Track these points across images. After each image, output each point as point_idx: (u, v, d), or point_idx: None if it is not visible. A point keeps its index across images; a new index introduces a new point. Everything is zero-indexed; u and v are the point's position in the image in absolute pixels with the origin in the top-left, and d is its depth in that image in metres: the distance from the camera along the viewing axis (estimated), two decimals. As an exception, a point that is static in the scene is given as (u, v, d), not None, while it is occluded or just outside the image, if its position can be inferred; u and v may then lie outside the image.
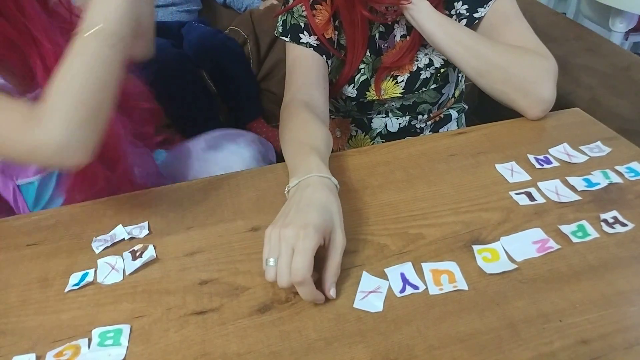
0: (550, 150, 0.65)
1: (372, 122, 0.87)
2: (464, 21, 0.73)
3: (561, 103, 0.71)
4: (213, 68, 1.10)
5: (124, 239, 0.56)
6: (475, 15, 0.72)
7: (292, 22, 0.75)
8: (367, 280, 0.49)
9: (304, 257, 0.44)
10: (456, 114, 0.90)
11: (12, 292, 0.51)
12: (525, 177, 0.61)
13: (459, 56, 0.69)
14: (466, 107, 0.93)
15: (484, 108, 1.15)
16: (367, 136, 0.88)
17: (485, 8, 0.71)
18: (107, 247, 0.55)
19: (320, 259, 0.47)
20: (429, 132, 0.89)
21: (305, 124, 0.65)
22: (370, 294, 0.47)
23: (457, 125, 0.92)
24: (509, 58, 0.68)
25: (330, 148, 0.63)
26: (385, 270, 0.50)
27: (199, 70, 1.11)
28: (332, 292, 0.47)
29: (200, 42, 1.16)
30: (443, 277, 0.49)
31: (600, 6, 1.45)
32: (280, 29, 0.76)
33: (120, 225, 0.58)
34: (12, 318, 0.48)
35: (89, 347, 0.44)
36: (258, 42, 1.07)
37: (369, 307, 0.46)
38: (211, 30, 1.19)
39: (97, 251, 0.55)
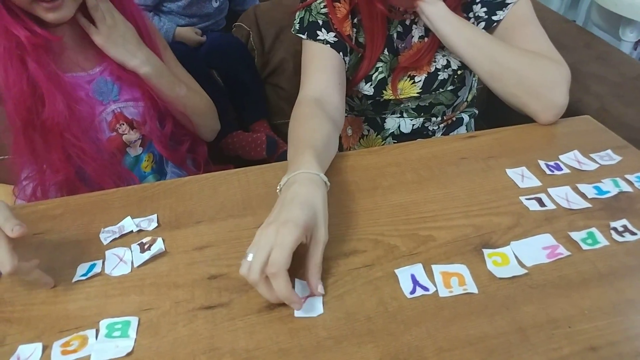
0: (561, 157, 0.65)
1: (385, 122, 0.87)
2: (482, 24, 0.73)
3: (570, 110, 0.71)
4: (222, 68, 1.11)
5: (132, 231, 0.56)
6: (494, 18, 0.72)
7: (310, 20, 0.74)
8: (300, 287, 0.48)
9: (282, 250, 0.44)
10: (467, 118, 0.90)
11: (20, 281, 0.50)
12: (535, 182, 0.61)
13: (474, 59, 0.69)
14: (476, 111, 0.93)
15: (492, 113, 1.15)
16: (379, 136, 0.88)
17: (504, 11, 0.71)
18: (115, 239, 0.55)
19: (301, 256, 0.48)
20: (441, 134, 0.89)
21: (307, 120, 0.65)
22: (308, 298, 0.47)
23: (467, 130, 0.92)
24: (523, 62, 0.68)
25: (332, 144, 0.63)
26: (396, 271, 0.50)
27: (209, 70, 1.11)
28: (319, 289, 0.46)
29: (211, 43, 1.17)
30: (453, 279, 0.49)
31: (611, 15, 1.45)
32: (297, 26, 0.76)
33: (129, 217, 0.58)
34: (18, 307, 0.48)
35: (96, 338, 0.44)
36: (261, 34, 1.07)
37: (311, 311, 0.46)
38: (223, 34, 1.20)
39: (105, 242, 0.55)
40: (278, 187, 0.53)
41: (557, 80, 0.68)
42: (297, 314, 0.46)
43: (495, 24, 0.73)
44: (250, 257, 0.45)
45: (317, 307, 0.46)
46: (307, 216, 0.47)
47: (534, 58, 0.68)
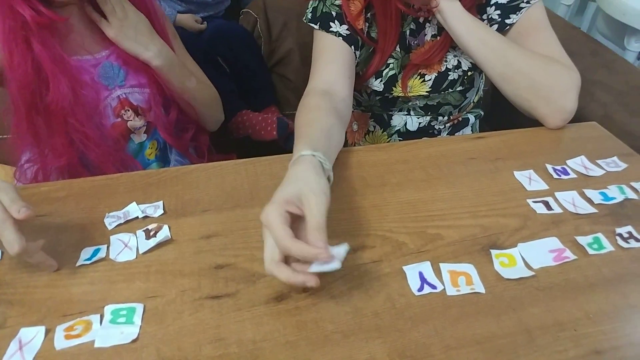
0: (568, 162, 0.65)
1: (392, 119, 0.86)
2: (495, 26, 0.73)
3: (574, 116, 0.72)
4: (227, 55, 1.10)
5: (137, 217, 0.55)
6: (507, 21, 0.72)
7: (324, 10, 0.74)
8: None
9: (272, 229, 0.43)
10: (473, 118, 0.90)
11: (21, 263, 0.49)
12: (542, 186, 0.61)
13: (486, 60, 0.69)
14: (482, 113, 0.93)
15: (495, 116, 1.16)
16: (384, 132, 0.88)
17: (517, 15, 0.71)
18: (120, 224, 0.54)
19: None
20: (446, 134, 0.89)
21: (309, 112, 0.64)
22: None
23: (472, 130, 0.92)
24: (536, 66, 0.68)
25: (334, 136, 0.61)
26: (404, 267, 0.50)
27: (214, 56, 1.10)
28: (320, 250, 0.42)
29: (215, 30, 1.16)
30: (460, 278, 0.49)
31: (617, 24, 1.45)
32: (309, 15, 0.75)
33: (134, 203, 0.57)
34: (20, 289, 0.47)
35: (100, 323, 0.43)
36: (269, 21, 1.06)
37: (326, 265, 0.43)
38: (227, 22, 1.19)
39: (109, 227, 0.54)
40: None
41: (568, 86, 0.68)
42: (312, 268, 0.43)
43: (508, 27, 0.73)
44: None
45: (334, 264, 0.43)
46: (283, 191, 0.46)
47: (546, 62, 0.69)
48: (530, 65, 0.68)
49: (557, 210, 0.57)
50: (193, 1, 1.30)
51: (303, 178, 0.48)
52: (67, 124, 0.67)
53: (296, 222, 0.45)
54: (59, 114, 0.66)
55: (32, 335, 0.42)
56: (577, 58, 0.74)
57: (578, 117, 0.72)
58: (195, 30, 1.23)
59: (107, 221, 0.55)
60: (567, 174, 0.63)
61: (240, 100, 1.10)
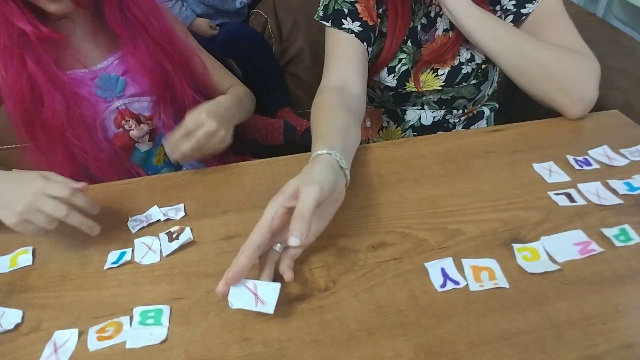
0: (590, 152, 0.64)
1: (406, 113, 0.86)
2: (511, 17, 0.72)
3: (594, 105, 0.70)
4: (240, 58, 1.11)
5: (159, 220, 0.56)
6: (523, 11, 0.71)
7: (336, 8, 0.74)
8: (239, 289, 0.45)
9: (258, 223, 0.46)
10: (488, 111, 0.89)
11: (52, 268, 0.51)
12: (564, 177, 0.60)
13: (499, 54, 0.68)
14: (497, 105, 0.92)
15: (511, 107, 1.14)
16: (398, 128, 0.88)
17: (533, 4, 0.70)
18: (143, 227, 0.55)
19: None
20: (461, 127, 0.88)
21: (325, 110, 0.64)
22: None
23: (487, 123, 0.91)
24: (551, 56, 0.67)
25: (351, 133, 0.61)
26: (426, 264, 0.49)
27: (226, 59, 1.11)
28: (290, 240, 0.42)
29: (227, 33, 1.17)
30: (483, 273, 0.49)
31: (634, 8, 1.42)
32: (321, 13, 0.75)
33: (156, 206, 0.58)
34: (52, 293, 0.48)
35: (130, 324, 0.44)
36: (279, 21, 1.07)
37: (235, 298, 0.44)
38: (238, 25, 1.20)
39: (133, 231, 0.55)
40: None
41: (587, 75, 0.67)
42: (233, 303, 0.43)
43: (524, 17, 0.72)
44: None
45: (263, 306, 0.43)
46: (288, 183, 0.47)
47: (562, 52, 0.67)
48: (546, 56, 0.67)
49: (580, 202, 0.56)
50: (216, 7, 1.30)
51: (308, 170, 0.49)
52: (64, 139, 0.67)
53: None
54: (55, 130, 0.66)
55: (66, 338, 0.43)
56: (594, 45, 0.73)
57: (598, 106, 0.71)
58: (207, 36, 1.24)
59: (130, 225, 0.56)
60: (589, 164, 0.62)
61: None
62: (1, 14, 0.60)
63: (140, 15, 0.69)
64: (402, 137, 0.88)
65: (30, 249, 0.53)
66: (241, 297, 0.43)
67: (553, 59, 0.67)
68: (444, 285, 0.48)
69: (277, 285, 0.44)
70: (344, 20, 0.73)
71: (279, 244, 0.48)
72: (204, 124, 0.62)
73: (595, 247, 0.51)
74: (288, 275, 0.46)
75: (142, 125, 0.75)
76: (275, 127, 1.06)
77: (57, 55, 0.66)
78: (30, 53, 0.62)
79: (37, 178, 0.51)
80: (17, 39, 0.61)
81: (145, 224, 0.56)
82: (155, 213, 0.57)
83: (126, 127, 0.74)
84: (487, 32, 0.68)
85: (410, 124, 0.87)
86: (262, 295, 0.44)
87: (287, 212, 0.46)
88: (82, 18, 0.68)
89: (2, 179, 0.52)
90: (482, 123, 0.90)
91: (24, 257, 0.52)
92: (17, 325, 0.45)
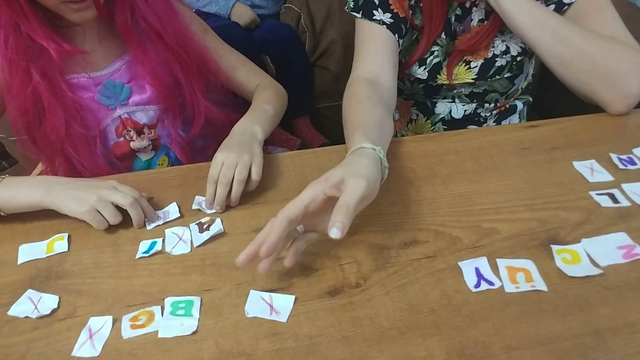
0: (635, 151, 0.61)
1: (436, 106, 0.84)
2: (552, 7, 0.68)
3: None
4: (276, 57, 1.09)
5: (176, 219, 0.56)
6: (565, 0, 0.67)
7: None
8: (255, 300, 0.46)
9: (293, 201, 0.45)
10: (521, 105, 0.86)
11: (86, 255, 0.52)
12: (607, 177, 0.58)
13: (541, 41, 0.65)
14: (531, 99, 0.89)
15: (545, 102, 1.10)
16: (428, 121, 0.86)
17: (577, -7, 0.67)
18: (158, 225, 0.55)
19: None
20: (493, 122, 0.85)
21: (359, 102, 0.63)
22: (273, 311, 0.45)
23: (520, 118, 0.88)
24: (598, 47, 0.63)
25: (387, 126, 0.60)
26: (459, 263, 0.48)
27: (263, 56, 1.10)
28: (331, 232, 0.41)
29: (269, 30, 1.15)
30: (519, 275, 0.47)
31: (680, -2, 1.34)
32: (351, 4, 0.74)
33: (175, 204, 0.58)
34: (87, 279, 0.49)
35: (162, 314, 0.45)
36: (312, 15, 1.05)
37: (251, 306, 0.45)
38: (281, 23, 1.18)
39: (148, 227, 0.55)
40: None
41: (634, 68, 0.64)
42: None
43: (566, 7, 0.68)
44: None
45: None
46: (332, 171, 0.46)
47: (608, 43, 0.64)
48: (591, 46, 0.63)
49: (624, 203, 0.54)
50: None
51: (355, 163, 0.48)
52: (64, 151, 0.67)
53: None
54: (55, 143, 0.66)
55: (101, 325, 0.44)
56: (637, 37, 0.69)
57: (641, 102, 0.68)
58: (249, 20, 1.20)
59: (147, 220, 0.56)
60: (634, 163, 0.59)
61: None
62: (9, 25, 0.59)
63: (153, 20, 0.65)
64: (432, 130, 0.86)
65: (65, 235, 0.54)
66: (256, 307, 0.45)
67: (599, 49, 0.63)
68: (478, 285, 0.46)
69: (292, 298, 0.46)
70: (375, 12, 0.71)
71: (302, 225, 0.47)
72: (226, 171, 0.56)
73: (640, 252, 0.48)
74: (290, 261, 0.47)
75: (142, 136, 0.73)
76: (290, 145, 1.06)
77: (65, 59, 0.64)
78: (36, 64, 0.61)
79: (110, 180, 0.57)
80: (25, 50, 0.60)
81: (161, 222, 0.55)
82: (174, 211, 0.57)
83: (127, 137, 0.73)
84: (530, 18, 0.64)
85: (440, 117, 0.85)
86: (277, 306, 0.45)
87: (325, 201, 0.45)
88: (90, 22, 0.65)
89: (73, 179, 0.57)
90: (515, 117, 0.87)
91: (60, 244, 0.53)
92: (54, 311, 0.46)
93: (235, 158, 0.56)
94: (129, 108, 0.71)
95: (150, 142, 0.75)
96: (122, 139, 0.72)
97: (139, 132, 0.73)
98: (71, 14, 0.60)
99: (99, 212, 0.53)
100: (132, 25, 0.65)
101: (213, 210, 0.57)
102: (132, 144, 0.73)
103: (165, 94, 0.70)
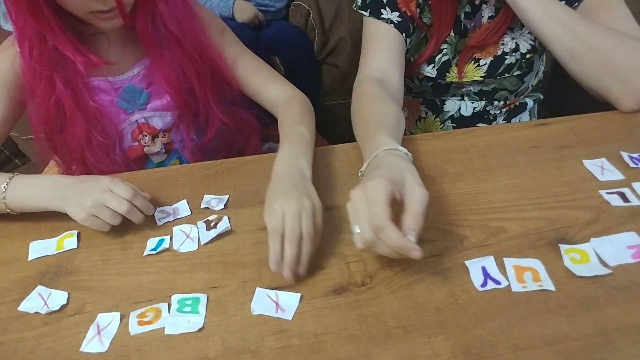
0: (646, 149, 0.60)
1: (445, 104, 0.83)
2: (563, 2, 0.67)
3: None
4: (285, 57, 1.09)
5: (186, 216, 0.56)
6: None
7: None
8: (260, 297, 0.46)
9: (376, 203, 0.42)
10: (532, 103, 0.85)
11: (95, 252, 0.53)
12: (617, 175, 0.57)
13: (553, 36, 0.64)
14: (541, 96, 0.88)
15: (557, 99, 1.09)
16: (437, 119, 0.85)
17: (588, -12, 0.66)
18: (168, 222, 0.56)
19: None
20: (502, 119, 0.85)
21: (374, 100, 0.63)
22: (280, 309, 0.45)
23: (530, 115, 0.87)
24: (610, 42, 0.62)
25: (402, 125, 0.61)
26: (466, 262, 0.48)
27: (272, 56, 1.09)
28: (411, 236, 0.42)
29: (278, 31, 1.15)
30: (526, 274, 0.47)
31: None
32: (359, 2, 0.74)
33: (185, 201, 0.58)
34: (96, 276, 0.50)
35: (169, 311, 0.45)
36: (321, 12, 1.05)
37: (257, 303, 0.45)
38: (291, 25, 1.17)
39: (158, 223, 0.55)
40: (360, 173, 0.53)
41: (647, 64, 0.62)
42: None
43: (576, 3, 0.67)
44: (357, 229, 0.44)
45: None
46: (391, 172, 0.45)
47: (621, 38, 0.63)
48: (604, 41, 0.62)
49: (635, 202, 0.53)
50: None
51: (409, 169, 0.47)
52: (84, 158, 0.68)
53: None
54: (74, 151, 0.67)
55: (109, 321, 0.45)
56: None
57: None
58: (250, 18, 1.20)
59: (157, 216, 0.56)
60: (645, 162, 0.58)
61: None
62: (34, 36, 0.59)
63: (172, 25, 0.65)
64: (441, 128, 0.86)
65: (75, 232, 0.55)
66: (262, 304, 0.45)
67: (611, 45, 0.62)
68: (484, 284, 0.46)
69: (297, 295, 0.46)
70: (382, 10, 0.71)
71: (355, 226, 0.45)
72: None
73: (651, 251, 0.48)
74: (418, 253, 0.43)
75: (156, 140, 0.74)
76: None
77: (86, 66, 0.64)
78: (60, 74, 0.62)
79: (104, 179, 0.55)
80: (49, 60, 0.61)
81: (171, 218, 0.56)
82: (184, 209, 0.57)
83: (142, 142, 0.73)
84: (543, 12, 0.64)
85: (449, 114, 0.84)
86: (283, 303, 0.45)
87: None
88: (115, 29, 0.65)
89: (74, 180, 0.56)
90: (525, 115, 0.87)
91: (69, 241, 0.54)
92: (63, 307, 0.47)
93: (296, 207, 0.48)
94: (147, 113, 0.71)
95: (163, 147, 0.75)
96: (136, 143, 0.73)
97: (154, 137, 0.74)
98: (99, 23, 0.60)
99: (98, 216, 0.52)
100: (152, 30, 0.65)
101: (221, 208, 0.57)
102: (146, 149, 0.74)
103: (182, 100, 0.70)
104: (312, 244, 0.48)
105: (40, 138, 0.67)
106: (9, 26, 0.62)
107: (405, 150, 0.51)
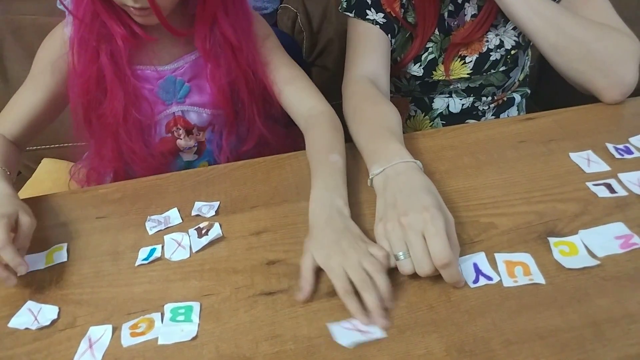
0: (631, 139, 0.61)
1: (433, 102, 0.84)
2: None
3: (635, 90, 0.66)
4: None
5: (178, 224, 0.56)
6: None
7: None
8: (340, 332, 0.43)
9: (442, 237, 0.43)
10: (519, 98, 0.86)
11: (86, 264, 0.52)
12: (603, 167, 0.58)
13: (537, 30, 0.65)
14: (529, 91, 0.89)
15: (545, 93, 1.10)
16: (426, 117, 0.86)
17: (569, -18, 0.66)
18: (160, 230, 0.55)
19: None
20: (491, 115, 0.85)
21: (374, 103, 0.64)
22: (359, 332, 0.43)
23: (518, 110, 0.88)
24: (592, 34, 0.63)
25: (401, 126, 0.61)
26: (458, 259, 0.48)
27: None
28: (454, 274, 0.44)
29: None
30: (517, 269, 0.47)
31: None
32: (344, 4, 0.74)
33: (176, 209, 0.58)
34: (87, 289, 0.49)
35: (162, 321, 0.45)
36: (308, 14, 1.05)
37: (344, 339, 0.42)
38: (280, 31, 1.17)
39: (150, 232, 0.55)
40: (370, 176, 0.53)
41: (628, 55, 0.63)
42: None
43: None
44: (402, 256, 0.45)
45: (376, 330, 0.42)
46: (436, 200, 0.47)
47: (603, 30, 0.64)
48: (586, 33, 0.63)
49: (621, 193, 0.54)
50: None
51: (434, 191, 0.49)
52: (117, 136, 0.68)
53: None
54: (110, 126, 0.67)
55: (101, 334, 0.44)
56: (632, 25, 0.69)
57: (638, 90, 0.67)
58: None
59: (148, 225, 0.56)
60: (630, 152, 0.59)
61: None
62: (87, 11, 0.61)
63: (232, 38, 0.65)
64: (431, 126, 0.86)
65: (65, 245, 0.54)
66: (347, 337, 0.42)
67: (594, 36, 0.63)
68: (476, 280, 0.46)
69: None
70: (368, 11, 0.71)
71: (401, 252, 0.46)
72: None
73: (638, 241, 0.48)
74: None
75: (190, 137, 0.74)
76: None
77: (131, 48, 0.65)
78: (106, 46, 0.63)
79: None
80: (98, 31, 0.62)
81: (163, 227, 0.55)
82: (175, 217, 0.57)
83: (175, 134, 0.73)
84: (526, 6, 0.64)
85: (438, 112, 0.85)
86: (364, 327, 0.43)
87: None
88: (171, 17, 0.63)
89: None
90: (513, 110, 0.87)
91: (59, 254, 0.53)
92: (54, 321, 0.46)
93: (354, 259, 0.45)
94: (184, 107, 0.71)
95: (196, 144, 0.75)
96: (169, 135, 0.73)
97: (188, 132, 0.74)
98: (134, 17, 0.61)
99: None
100: (210, 39, 0.65)
101: (212, 214, 0.57)
102: (178, 142, 0.74)
103: (223, 102, 0.69)
104: (383, 276, 0.45)
105: (78, 115, 0.67)
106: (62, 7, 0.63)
107: (420, 164, 0.52)
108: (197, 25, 0.64)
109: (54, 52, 0.66)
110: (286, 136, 0.78)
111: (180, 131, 0.73)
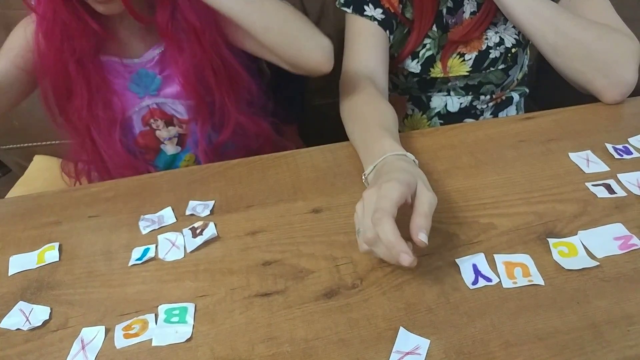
0: (630, 140, 0.61)
1: (431, 100, 0.83)
2: None
3: (634, 90, 0.66)
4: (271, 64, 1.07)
5: (172, 223, 0.55)
6: None
7: None
8: (405, 339, 0.41)
9: (386, 198, 0.42)
10: (518, 97, 0.85)
11: (78, 264, 0.51)
12: (603, 167, 0.57)
13: (537, 30, 0.64)
14: (527, 90, 0.88)
15: (544, 93, 1.09)
16: (424, 115, 0.85)
17: (568, -19, 0.66)
18: (153, 230, 0.54)
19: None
20: (490, 114, 0.85)
21: (371, 101, 0.63)
22: (407, 355, 0.41)
23: (517, 109, 0.88)
24: (592, 34, 0.63)
25: (397, 125, 0.61)
26: (457, 260, 0.48)
27: (259, 61, 1.07)
28: (421, 236, 0.42)
29: None
30: (517, 270, 0.47)
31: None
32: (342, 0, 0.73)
33: (170, 208, 0.57)
34: (79, 289, 0.49)
35: (155, 322, 0.44)
36: (306, 11, 1.04)
37: None
38: None
39: (143, 232, 0.54)
40: (363, 177, 0.52)
41: (628, 55, 0.63)
42: None
43: None
44: (359, 232, 0.45)
45: None
46: (406, 176, 0.45)
47: (602, 30, 0.63)
48: (585, 34, 0.63)
49: (620, 193, 0.53)
50: None
51: (420, 174, 0.48)
52: (90, 132, 0.67)
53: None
54: (81, 124, 0.66)
55: (93, 335, 0.43)
56: (632, 25, 0.69)
57: (637, 90, 0.67)
58: None
59: (141, 225, 0.55)
60: (630, 153, 0.59)
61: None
62: (48, 7, 0.60)
63: (194, 21, 0.63)
64: (428, 125, 0.86)
65: (56, 244, 0.53)
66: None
67: (593, 36, 0.63)
68: (475, 282, 0.46)
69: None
70: (365, 7, 0.71)
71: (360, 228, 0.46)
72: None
73: (637, 242, 0.48)
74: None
75: (170, 128, 0.73)
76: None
77: (98, 41, 0.64)
78: (69, 41, 0.62)
79: None
80: (61, 26, 0.61)
81: (157, 226, 0.54)
82: (169, 216, 0.56)
83: (153, 126, 0.72)
84: (525, 6, 0.64)
85: (436, 111, 0.84)
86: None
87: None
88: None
89: None
90: (512, 109, 0.87)
91: (50, 254, 0.52)
92: (45, 322, 0.45)
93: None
94: (158, 99, 0.71)
95: (177, 134, 0.74)
96: (147, 127, 0.72)
97: (168, 124, 0.73)
98: (96, 5, 0.59)
99: None
100: (171, 24, 0.64)
101: (207, 214, 0.56)
102: (157, 133, 0.73)
103: (193, 92, 0.68)
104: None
105: (52, 112, 0.67)
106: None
107: (412, 156, 0.51)
108: (158, 10, 0.63)
109: (18, 41, 0.65)
110: (268, 123, 0.75)
111: (158, 122, 0.72)
